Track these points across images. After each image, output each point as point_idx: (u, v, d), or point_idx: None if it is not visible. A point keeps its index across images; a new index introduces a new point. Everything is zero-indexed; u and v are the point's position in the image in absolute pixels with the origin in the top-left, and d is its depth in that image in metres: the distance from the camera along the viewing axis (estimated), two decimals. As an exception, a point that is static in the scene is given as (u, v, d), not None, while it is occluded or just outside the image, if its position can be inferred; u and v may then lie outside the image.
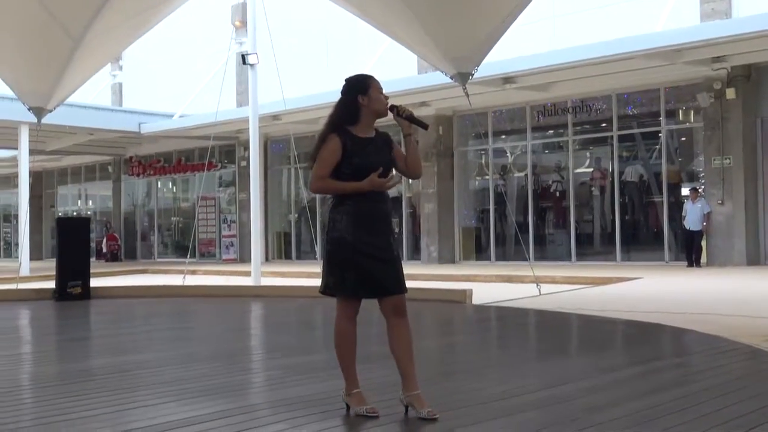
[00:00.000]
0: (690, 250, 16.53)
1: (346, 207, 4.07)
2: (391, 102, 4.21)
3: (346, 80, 4.23)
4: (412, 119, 4.17)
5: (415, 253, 21.40)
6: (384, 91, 4.18)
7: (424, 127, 4.25)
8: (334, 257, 4.09)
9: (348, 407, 4.15)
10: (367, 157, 4.06)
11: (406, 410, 4.05)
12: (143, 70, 27.79)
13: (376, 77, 4.25)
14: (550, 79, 16.93)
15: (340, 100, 4.19)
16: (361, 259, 4.02)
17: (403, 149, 4.25)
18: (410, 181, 22.18)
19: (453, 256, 20.66)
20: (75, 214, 31.55)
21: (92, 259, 13.50)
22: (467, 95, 11.52)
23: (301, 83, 20.36)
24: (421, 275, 16.19)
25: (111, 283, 15.91)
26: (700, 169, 17.17)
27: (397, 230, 22.48)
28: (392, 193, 24.05)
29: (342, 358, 4.20)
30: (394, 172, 4.22)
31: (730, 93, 15.99)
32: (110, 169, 29.87)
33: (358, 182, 4.03)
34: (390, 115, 4.20)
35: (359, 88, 4.15)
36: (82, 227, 13.20)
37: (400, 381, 4.10)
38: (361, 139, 4.11)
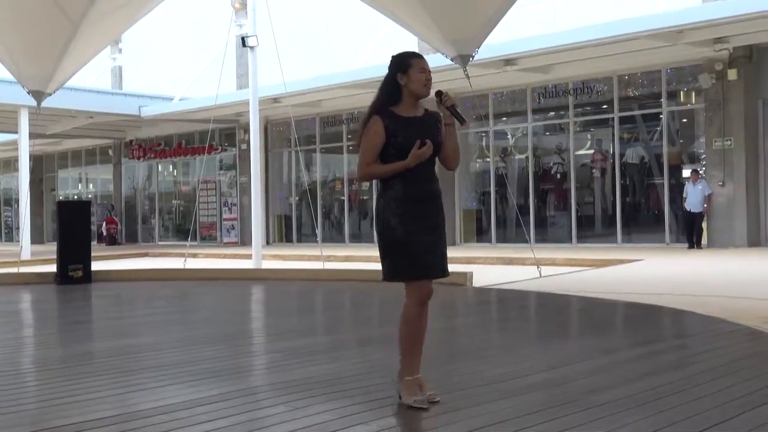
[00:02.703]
0: (691, 231, 16.54)
1: (394, 191, 3.94)
2: (436, 87, 4.06)
3: (391, 57, 4.09)
4: (453, 110, 4.00)
5: (416, 236, 21.36)
6: (429, 73, 4.00)
7: (461, 121, 4.03)
8: (387, 245, 3.98)
9: (400, 396, 3.95)
10: (411, 136, 3.91)
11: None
12: (143, 53, 27.71)
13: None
14: (551, 61, 16.88)
15: (383, 79, 4.08)
16: (411, 246, 3.90)
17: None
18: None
19: (454, 239, 20.65)
20: (75, 197, 31.54)
21: (93, 243, 13.50)
22: (468, 77, 11.49)
23: (302, 66, 20.32)
24: (422, 258, 16.17)
25: (112, 266, 15.94)
26: (701, 151, 17.15)
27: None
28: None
29: (410, 346, 3.98)
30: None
31: (732, 74, 15.94)
32: (110, 152, 29.83)
33: (403, 161, 3.89)
34: (432, 96, 4.06)
35: (400, 66, 4.01)
36: (83, 211, 13.21)
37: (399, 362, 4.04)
38: (405, 119, 3.97)
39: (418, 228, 3.92)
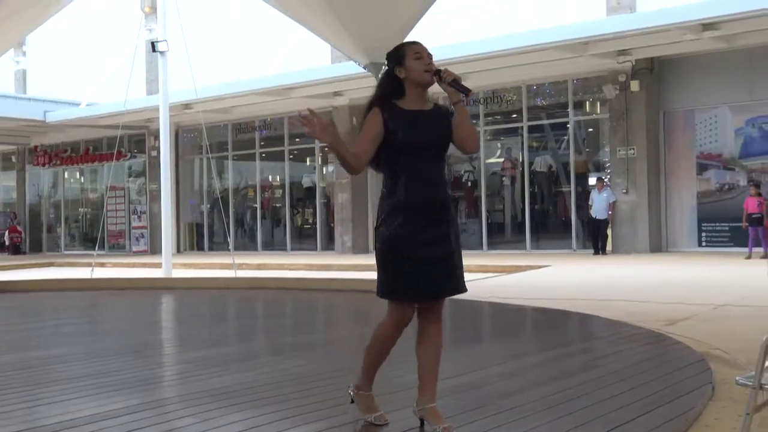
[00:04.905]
0: (596, 238, 17.01)
1: (397, 197, 3.54)
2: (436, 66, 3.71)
3: (386, 55, 3.75)
4: (456, 84, 3.66)
5: (330, 244, 21.40)
6: (428, 55, 3.68)
7: (466, 93, 3.69)
8: (385, 257, 3.58)
9: (352, 401, 3.78)
10: (412, 132, 3.55)
11: (422, 424, 3.64)
12: (48, 57, 26.92)
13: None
14: (462, 70, 16.97)
15: (381, 75, 3.76)
16: (415, 259, 3.51)
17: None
18: (324, 170, 22.16)
19: (367, 246, 20.72)
20: (-24, 205, 30.42)
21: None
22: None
23: (214, 71, 20.09)
24: (335, 265, 16.20)
25: (15, 276, 15.42)
26: (606, 160, 17.67)
27: (311, 220, 22.45)
28: (306, 182, 23.88)
29: (372, 362, 3.74)
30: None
31: (635, 85, 16.49)
32: (14, 158, 28.90)
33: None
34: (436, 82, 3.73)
35: (394, 59, 3.68)
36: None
37: (417, 390, 3.67)
38: (408, 113, 3.61)
39: (420, 240, 3.52)
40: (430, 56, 3.67)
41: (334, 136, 3.41)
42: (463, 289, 3.68)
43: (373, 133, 3.55)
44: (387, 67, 3.71)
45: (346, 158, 3.49)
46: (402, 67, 3.65)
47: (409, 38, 11.00)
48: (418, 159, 3.58)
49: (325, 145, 3.47)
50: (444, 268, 3.60)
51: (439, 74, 3.67)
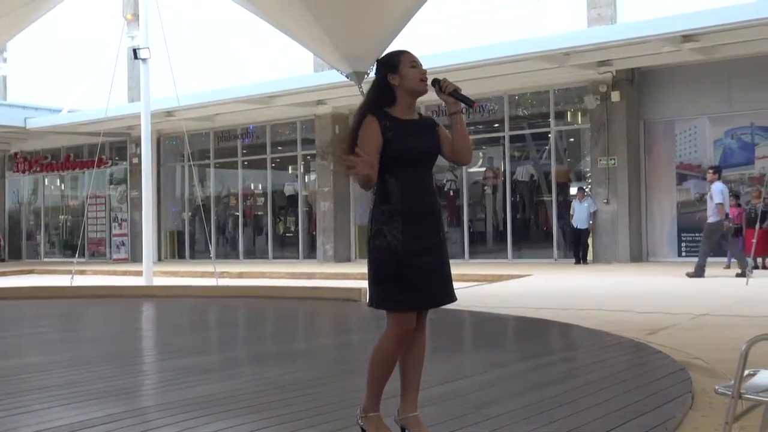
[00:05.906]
0: (577, 247, 17.09)
1: (391, 206, 3.49)
2: (432, 77, 3.65)
3: (376, 61, 3.71)
4: (456, 95, 3.60)
5: (311, 252, 21.37)
6: (421, 65, 3.61)
7: (469, 104, 3.65)
8: (381, 267, 3.49)
9: (363, 431, 3.61)
10: (408, 142, 3.51)
11: None
12: (29, 63, 26.76)
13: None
14: (444, 80, 17.15)
15: (372, 82, 3.68)
16: (412, 268, 3.46)
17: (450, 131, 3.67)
18: (306, 179, 22.13)
19: (349, 255, 20.72)
20: (-46, 212, 30.14)
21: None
22: (363, 94, 11.56)
23: (196, 79, 20.05)
24: (317, 274, 16.18)
25: (-6, 284, 15.27)
26: (587, 169, 17.76)
27: (293, 228, 22.41)
28: (288, 191, 23.79)
29: (378, 379, 3.57)
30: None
31: (615, 96, 16.60)
32: (-7, 165, 28.69)
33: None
34: (431, 92, 3.66)
35: (388, 66, 3.60)
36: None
37: (399, 398, 3.63)
38: (402, 121, 3.55)
39: (418, 248, 3.49)
40: (422, 67, 3.63)
41: (373, 167, 3.43)
42: (455, 298, 3.65)
43: (377, 144, 3.48)
44: (377, 74, 3.65)
45: (366, 176, 3.46)
46: (396, 75, 3.58)
47: (391, 47, 11.06)
48: (412, 168, 3.55)
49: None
50: (439, 277, 3.59)
51: (438, 84, 3.62)
